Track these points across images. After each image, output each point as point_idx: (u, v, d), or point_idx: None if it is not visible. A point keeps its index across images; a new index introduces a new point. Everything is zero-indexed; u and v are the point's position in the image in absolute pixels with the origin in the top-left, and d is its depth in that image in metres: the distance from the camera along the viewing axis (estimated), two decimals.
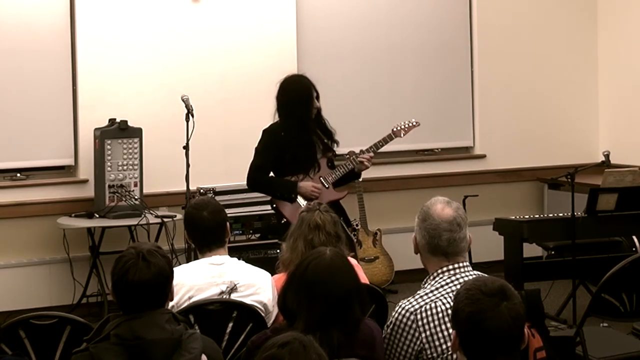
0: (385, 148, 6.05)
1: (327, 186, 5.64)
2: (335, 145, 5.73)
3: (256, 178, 5.61)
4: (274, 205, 5.68)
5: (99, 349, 2.78)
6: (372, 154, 5.70)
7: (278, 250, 6.22)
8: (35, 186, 6.68)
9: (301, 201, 5.57)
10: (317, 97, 5.64)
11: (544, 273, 6.30)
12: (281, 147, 5.54)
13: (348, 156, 5.72)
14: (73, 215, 6.57)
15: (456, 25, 7.86)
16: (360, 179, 6.87)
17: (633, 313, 4.52)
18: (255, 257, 6.24)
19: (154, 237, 6.50)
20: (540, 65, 8.03)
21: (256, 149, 5.63)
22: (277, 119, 5.64)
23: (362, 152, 5.71)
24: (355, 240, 6.87)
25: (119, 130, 6.50)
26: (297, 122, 5.53)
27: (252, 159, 5.63)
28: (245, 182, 6.40)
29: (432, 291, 3.16)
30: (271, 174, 5.64)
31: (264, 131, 5.64)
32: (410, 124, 5.94)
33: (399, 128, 5.90)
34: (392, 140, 5.86)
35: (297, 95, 5.57)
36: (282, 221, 5.60)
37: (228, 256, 3.98)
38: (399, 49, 7.66)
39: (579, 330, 4.35)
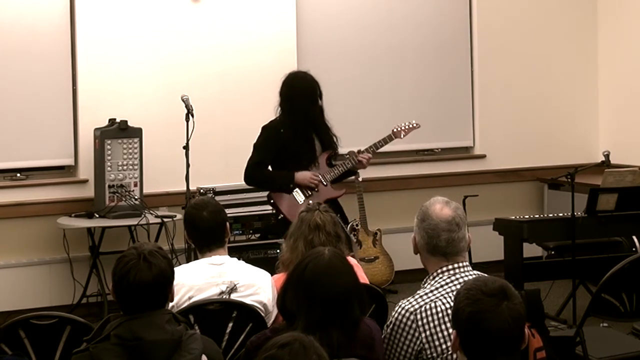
0: (385, 148, 6.08)
1: (325, 184, 5.67)
2: (335, 146, 5.75)
3: (254, 173, 5.65)
4: (272, 201, 5.70)
5: (99, 349, 2.78)
6: (370, 155, 5.74)
7: (278, 250, 6.24)
8: (35, 186, 6.68)
9: (298, 196, 5.60)
10: (320, 96, 5.66)
11: (544, 273, 6.30)
12: (281, 144, 5.56)
13: (348, 156, 5.75)
14: (73, 215, 6.57)
15: (456, 25, 7.86)
16: (360, 179, 6.89)
17: (633, 313, 4.52)
18: (255, 257, 6.24)
19: (154, 237, 6.50)
20: (540, 66, 8.03)
21: (255, 145, 5.65)
22: (278, 114, 5.65)
23: (360, 151, 5.74)
24: (355, 240, 6.89)
25: (119, 130, 6.50)
26: (299, 119, 5.55)
27: (250, 155, 5.64)
28: (244, 182, 6.42)
29: (431, 291, 3.16)
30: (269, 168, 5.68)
31: (264, 128, 5.67)
32: (411, 125, 5.99)
33: (399, 129, 5.95)
34: (392, 141, 5.92)
35: (301, 92, 5.59)
36: (280, 217, 5.63)
37: (228, 256, 3.98)
38: (399, 49, 7.66)
39: (579, 330, 4.35)
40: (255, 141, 5.65)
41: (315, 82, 5.63)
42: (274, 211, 5.76)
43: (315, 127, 5.64)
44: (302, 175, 5.59)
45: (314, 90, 5.61)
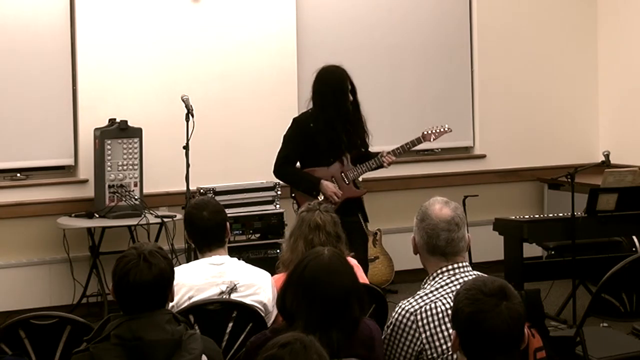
0: (385, 148, 6.06)
1: (347, 182, 5.69)
2: (365, 144, 5.75)
3: (282, 168, 5.70)
4: (293, 195, 5.74)
5: (99, 349, 2.78)
6: (394, 158, 5.75)
7: (278, 250, 6.26)
8: (35, 186, 6.68)
9: (320, 197, 5.62)
10: (354, 91, 5.64)
11: (544, 273, 6.30)
12: (308, 138, 5.58)
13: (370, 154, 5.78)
14: (73, 215, 6.57)
15: (456, 25, 7.86)
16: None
17: (633, 313, 4.52)
18: (255, 257, 6.24)
19: (154, 237, 6.50)
20: (540, 65, 8.03)
21: (284, 136, 5.70)
22: (310, 107, 5.66)
23: (384, 153, 5.73)
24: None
25: (119, 130, 6.50)
26: (329, 114, 5.56)
27: (280, 147, 5.68)
28: (244, 182, 6.45)
29: (432, 291, 3.16)
30: (298, 164, 5.70)
31: (294, 120, 5.72)
32: (442, 129, 5.98)
33: (429, 132, 5.95)
34: (421, 144, 5.91)
35: (330, 87, 5.59)
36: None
37: (228, 256, 3.98)
38: (399, 49, 7.66)
39: (579, 330, 4.35)
40: (285, 132, 5.68)
41: (344, 77, 5.62)
42: (296, 206, 5.78)
43: (346, 123, 5.63)
44: (325, 186, 5.61)
45: (342, 85, 5.59)
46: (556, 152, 8.04)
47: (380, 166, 5.79)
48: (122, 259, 2.89)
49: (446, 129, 5.99)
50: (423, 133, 5.93)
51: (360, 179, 6.78)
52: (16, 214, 6.59)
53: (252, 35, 7.17)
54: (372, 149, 5.88)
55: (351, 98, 5.64)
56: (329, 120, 5.57)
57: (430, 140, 5.95)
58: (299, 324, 2.97)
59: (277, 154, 5.71)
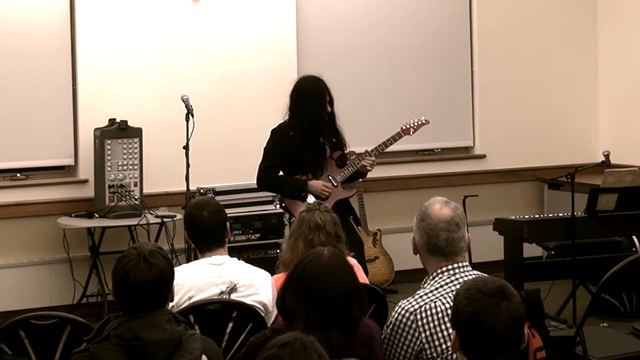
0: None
1: (335, 184, 5.66)
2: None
3: (266, 178, 5.61)
4: (283, 204, 5.68)
5: (99, 349, 2.78)
6: (374, 159, 5.69)
7: (278, 250, 6.25)
8: (35, 186, 6.69)
9: (311, 200, 5.58)
10: (331, 102, 5.61)
11: (544, 273, 6.30)
12: (290, 147, 5.53)
13: (349, 156, 5.73)
14: (73, 215, 6.58)
15: (456, 25, 7.87)
16: (360, 179, 6.88)
17: (633, 313, 4.52)
18: (255, 257, 6.24)
19: (154, 237, 6.50)
20: (540, 66, 8.04)
21: (265, 148, 5.62)
22: (287, 117, 5.62)
23: (367, 152, 5.70)
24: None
25: (119, 130, 6.50)
26: (307, 124, 5.51)
27: (261, 159, 5.61)
28: (244, 182, 6.43)
29: (431, 291, 3.16)
30: (280, 173, 5.65)
31: (273, 131, 5.63)
32: (420, 122, 5.94)
33: (407, 126, 5.90)
34: (401, 139, 5.87)
35: (309, 98, 5.53)
36: (291, 220, 5.61)
37: (228, 256, 3.98)
38: (399, 49, 7.66)
39: (579, 330, 4.35)
40: (265, 145, 5.62)
41: (323, 89, 5.54)
42: (287, 214, 5.73)
43: (321, 134, 5.60)
44: (314, 185, 5.57)
45: (321, 97, 5.54)
46: (556, 152, 8.04)
47: (359, 169, 5.70)
48: (122, 259, 2.89)
49: (423, 121, 5.95)
50: (402, 127, 5.89)
51: (360, 180, 6.81)
52: (16, 214, 6.59)
53: (252, 36, 7.17)
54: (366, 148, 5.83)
55: (329, 109, 5.59)
56: (305, 130, 5.52)
57: (410, 134, 5.90)
58: (299, 324, 2.98)
59: (258, 166, 5.60)
